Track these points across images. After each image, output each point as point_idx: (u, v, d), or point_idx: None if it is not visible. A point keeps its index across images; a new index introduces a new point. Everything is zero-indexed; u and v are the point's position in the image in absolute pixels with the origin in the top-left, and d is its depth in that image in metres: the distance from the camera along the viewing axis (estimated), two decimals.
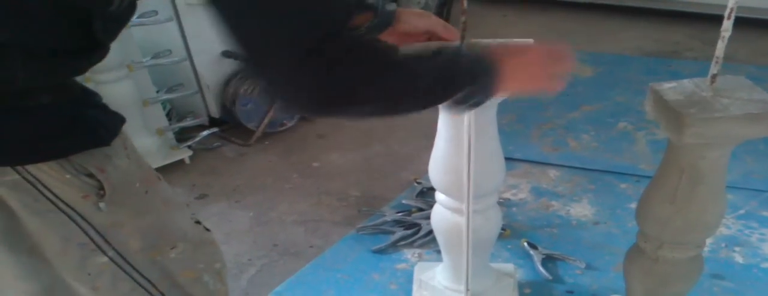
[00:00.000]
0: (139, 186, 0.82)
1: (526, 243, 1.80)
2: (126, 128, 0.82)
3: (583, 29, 3.80)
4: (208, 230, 0.95)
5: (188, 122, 2.46)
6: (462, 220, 1.24)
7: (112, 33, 0.75)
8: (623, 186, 2.12)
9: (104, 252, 0.80)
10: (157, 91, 2.37)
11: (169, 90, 2.39)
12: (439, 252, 1.54)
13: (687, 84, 1.02)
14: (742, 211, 1.94)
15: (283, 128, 2.69)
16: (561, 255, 1.76)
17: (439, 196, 1.36)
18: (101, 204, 0.76)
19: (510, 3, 4.33)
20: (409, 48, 0.99)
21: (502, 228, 1.79)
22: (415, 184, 2.16)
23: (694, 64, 3.11)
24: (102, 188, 0.76)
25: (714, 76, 0.98)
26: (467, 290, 1.35)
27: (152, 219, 0.84)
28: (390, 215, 1.98)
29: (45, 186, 0.72)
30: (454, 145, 1.21)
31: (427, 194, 2.10)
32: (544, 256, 1.75)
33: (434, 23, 1.06)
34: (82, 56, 0.73)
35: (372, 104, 0.70)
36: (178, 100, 2.53)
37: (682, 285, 1.23)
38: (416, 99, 0.74)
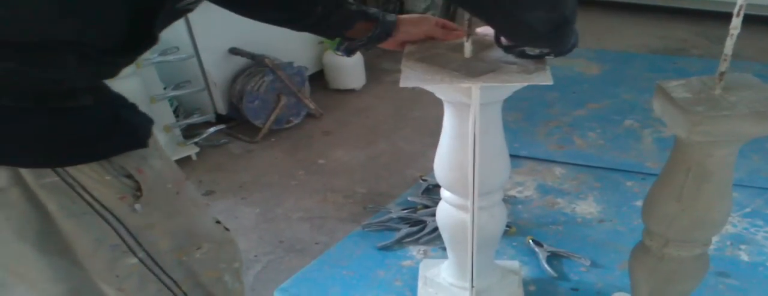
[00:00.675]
0: (170, 187, 0.82)
1: (531, 241, 1.81)
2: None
3: (588, 26, 3.77)
4: (227, 229, 0.96)
5: (195, 119, 2.48)
6: (467, 217, 1.24)
7: (166, 27, 0.75)
8: (629, 183, 2.12)
9: (135, 254, 0.80)
10: (165, 88, 2.37)
11: (176, 87, 2.40)
12: (444, 249, 1.54)
13: (694, 82, 1.02)
14: (748, 209, 1.93)
15: (290, 125, 2.69)
16: (566, 252, 1.76)
17: (445, 193, 1.36)
18: (136, 206, 0.76)
19: None
20: None
21: (508, 226, 1.80)
22: (421, 181, 2.16)
23: (700, 62, 3.09)
24: (139, 189, 0.76)
25: (722, 74, 0.97)
26: (472, 287, 1.35)
27: (182, 220, 0.85)
28: (395, 212, 1.98)
29: (84, 188, 0.72)
30: (460, 142, 1.21)
31: (432, 191, 2.10)
32: (549, 254, 1.75)
33: (432, 28, 1.13)
34: (132, 53, 0.73)
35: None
36: (185, 96, 2.54)
37: (687, 283, 1.23)
38: None
